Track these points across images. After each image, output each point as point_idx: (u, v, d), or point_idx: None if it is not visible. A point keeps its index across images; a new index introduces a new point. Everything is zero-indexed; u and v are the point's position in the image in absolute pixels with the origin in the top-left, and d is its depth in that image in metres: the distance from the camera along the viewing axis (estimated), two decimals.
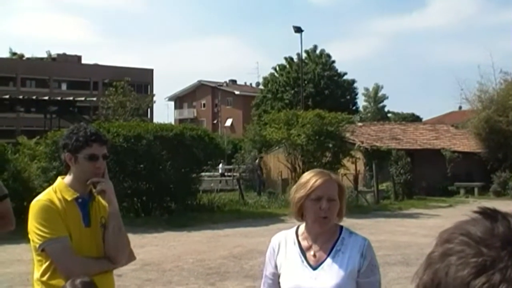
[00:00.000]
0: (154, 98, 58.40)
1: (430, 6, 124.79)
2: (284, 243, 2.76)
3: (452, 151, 27.88)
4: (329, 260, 2.63)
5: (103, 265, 2.98)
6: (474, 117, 29.02)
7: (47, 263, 2.88)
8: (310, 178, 2.68)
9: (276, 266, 2.75)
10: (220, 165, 30.71)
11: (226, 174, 33.38)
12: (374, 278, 2.62)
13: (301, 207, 2.67)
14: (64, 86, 65.37)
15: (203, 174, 20.99)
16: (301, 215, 2.70)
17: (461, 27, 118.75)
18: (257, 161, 27.69)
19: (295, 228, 2.79)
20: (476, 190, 26.20)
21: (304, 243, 2.71)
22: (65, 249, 2.85)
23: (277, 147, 25.12)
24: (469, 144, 29.55)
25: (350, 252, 2.62)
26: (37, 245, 2.87)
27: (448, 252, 0.84)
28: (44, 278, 2.88)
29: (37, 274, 2.92)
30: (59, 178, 3.09)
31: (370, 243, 2.70)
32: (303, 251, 2.69)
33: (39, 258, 2.91)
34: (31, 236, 2.91)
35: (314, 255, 2.67)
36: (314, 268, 2.64)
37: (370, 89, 68.50)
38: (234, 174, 31.02)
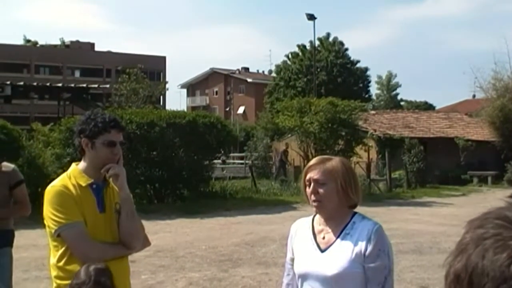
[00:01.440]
0: (167, 86, 58.48)
1: None
2: (301, 229, 2.81)
3: (466, 140, 27.69)
4: (337, 243, 2.64)
5: (118, 250, 2.99)
6: (488, 105, 28.77)
7: (63, 249, 2.90)
8: (307, 164, 2.76)
9: (293, 251, 2.81)
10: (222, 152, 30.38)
11: (227, 161, 33.17)
12: (381, 264, 2.57)
13: (306, 192, 2.72)
14: (77, 73, 65.65)
15: (215, 161, 21.00)
16: None
17: (475, 15, 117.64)
18: (281, 151, 27.36)
19: (313, 215, 2.82)
20: (489, 179, 26.03)
21: (317, 227, 2.75)
22: (80, 234, 2.87)
23: (289, 135, 25.08)
24: (483, 132, 29.34)
25: (358, 235, 2.61)
26: (53, 231, 2.89)
27: (483, 236, 0.81)
28: (61, 263, 2.90)
29: (53, 260, 2.94)
30: (73, 164, 3.10)
31: (381, 228, 2.65)
32: (314, 235, 2.73)
33: (55, 243, 2.93)
34: (47, 222, 2.93)
35: (324, 238, 2.69)
36: (323, 251, 2.66)
37: (383, 77, 68.16)
38: (247, 161, 31.03)
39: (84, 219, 2.91)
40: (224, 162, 31.46)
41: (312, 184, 2.65)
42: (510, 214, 0.82)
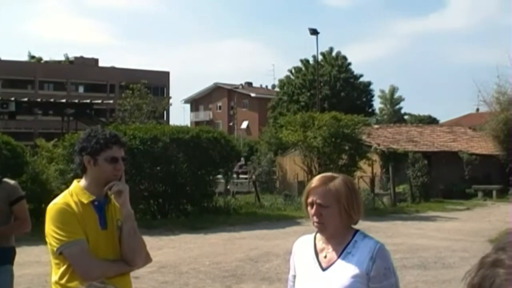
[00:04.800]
0: (170, 101, 58.61)
1: (448, 8, 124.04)
2: (303, 247, 2.81)
3: (470, 154, 27.65)
4: (338, 262, 2.64)
5: (120, 267, 2.99)
6: (492, 119, 28.76)
7: (65, 266, 2.90)
8: (309, 184, 2.74)
9: (295, 269, 2.81)
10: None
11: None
12: (388, 283, 2.57)
13: (307, 210, 2.72)
14: (81, 89, 65.98)
15: (219, 176, 20.96)
16: None
17: (479, 29, 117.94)
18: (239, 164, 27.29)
19: (315, 232, 2.81)
20: (494, 193, 25.92)
21: (319, 246, 2.75)
22: (82, 252, 2.87)
23: (293, 150, 25.08)
24: (487, 146, 29.28)
25: (360, 254, 2.61)
26: (55, 249, 2.89)
27: (498, 263, 0.85)
28: (63, 281, 2.90)
29: (55, 277, 2.94)
30: (75, 182, 3.10)
31: (384, 247, 2.66)
32: (316, 253, 2.73)
33: (57, 261, 2.93)
34: (49, 239, 2.93)
35: (325, 257, 2.69)
36: (324, 270, 2.66)
37: (386, 91, 68.25)
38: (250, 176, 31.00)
39: (86, 236, 2.91)
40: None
41: (315, 207, 2.64)
42: None
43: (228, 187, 26.79)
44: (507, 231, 0.92)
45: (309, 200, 2.67)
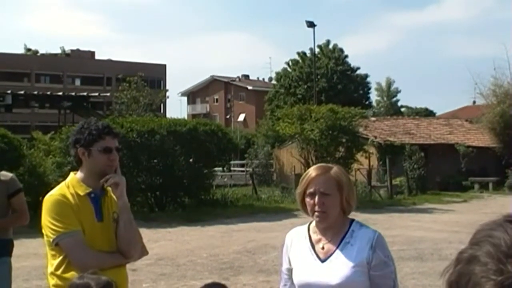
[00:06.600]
0: (167, 94, 58.47)
1: (445, 0, 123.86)
2: (297, 238, 2.78)
3: (466, 146, 27.68)
4: (337, 252, 2.62)
5: (116, 259, 2.99)
6: (489, 111, 28.77)
7: (61, 257, 2.90)
8: (306, 174, 2.72)
9: (289, 262, 2.78)
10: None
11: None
12: (389, 270, 2.59)
13: (303, 202, 2.69)
14: (78, 82, 65.78)
15: (216, 169, 20.95)
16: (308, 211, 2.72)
17: (476, 21, 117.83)
18: None
19: (308, 223, 2.81)
20: (490, 185, 25.99)
21: (314, 237, 2.72)
22: (78, 242, 2.88)
23: (290, 142, 25.10)
24: (483, 138, 29.32)
25: (359, 244, 2.60)
26: (51, 239, 2.90)
27: (474, 260, 0.84)
28: (59, 272, 2.90)
29: (51, 268, 2.95)
30: (72, 174, 3.12)
31: (381, 235, 2.66)
32: (312, 245, 2.70)
33: (53, 252, 2.94)
34: (45, 230, 2.94)
35: (323, 248, 2.67)
36: (323, 261, 2.64)
37: (383, 84, 68.16)
38: (247, 169, 31.03)
39: (82, 228, 2.92)
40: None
41: (318, 196, 2.62)
42: (502, 242, 0.83)
43: (225, 179, 26.81)
44: (480, 226, 0.91)
45: (310, 190, 2.64)
